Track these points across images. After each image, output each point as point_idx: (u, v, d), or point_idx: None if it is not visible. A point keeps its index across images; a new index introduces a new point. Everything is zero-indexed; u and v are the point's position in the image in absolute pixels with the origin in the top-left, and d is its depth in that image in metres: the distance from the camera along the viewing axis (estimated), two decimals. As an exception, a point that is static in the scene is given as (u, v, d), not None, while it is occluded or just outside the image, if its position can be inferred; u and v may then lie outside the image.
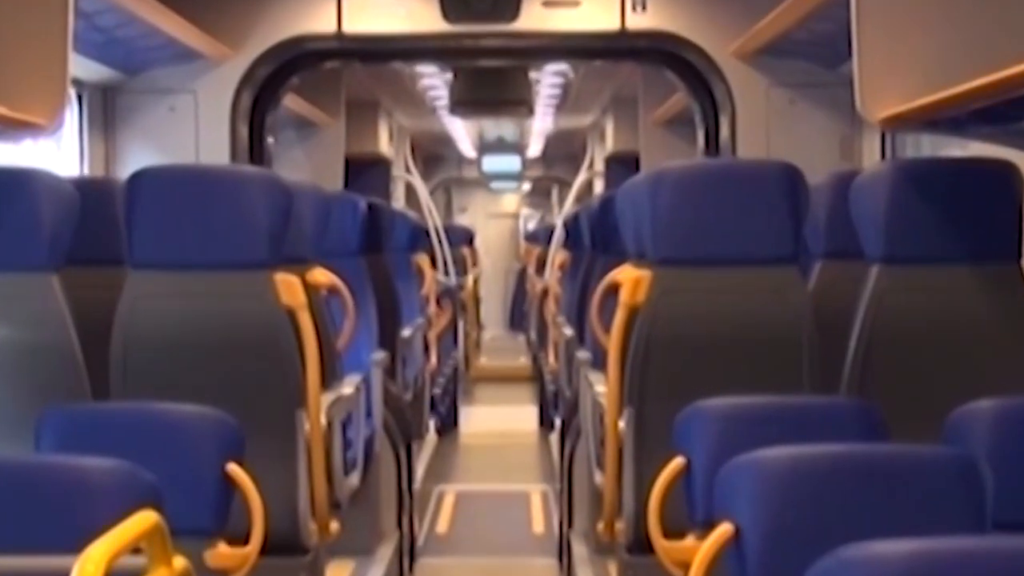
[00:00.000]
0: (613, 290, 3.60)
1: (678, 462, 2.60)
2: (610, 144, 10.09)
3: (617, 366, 3.38)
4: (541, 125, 12.33)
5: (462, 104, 8.32)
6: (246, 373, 3.37)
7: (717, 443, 2.50)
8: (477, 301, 14.17)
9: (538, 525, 6.31)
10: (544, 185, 18.64)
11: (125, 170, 4.98)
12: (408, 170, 11.47)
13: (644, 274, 3.38)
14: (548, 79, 9.20)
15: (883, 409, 2.61)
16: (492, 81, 8.19)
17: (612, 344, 3.41)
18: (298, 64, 5.83)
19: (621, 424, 3.37)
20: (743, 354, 3.30)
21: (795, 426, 2.51)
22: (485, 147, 14.45)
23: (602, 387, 3.65)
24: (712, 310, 3.35)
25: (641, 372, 3.34)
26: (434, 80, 9.06)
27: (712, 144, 5.82)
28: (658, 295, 3.35)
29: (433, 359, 7.50)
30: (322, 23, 5.69)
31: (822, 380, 3.27)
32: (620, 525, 3.39)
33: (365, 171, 9.34)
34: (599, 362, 4.19)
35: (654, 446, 3.25)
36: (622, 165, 9.34)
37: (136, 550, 1.85)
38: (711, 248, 3.38)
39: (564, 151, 14.90)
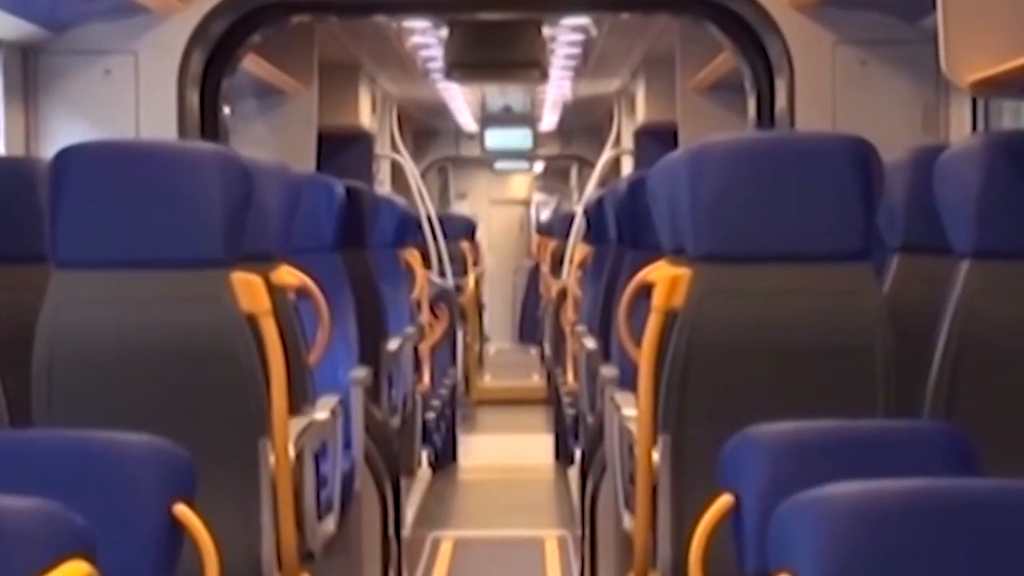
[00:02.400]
0: (645, 292, 3.60)
1: (725, 501, 2.60)
2: (641, 115, 10.08)
3: (650, 385, 3.38)
4: (557, 92, 12.33)
5: (460, 67, 8.31)
6: (198, 394, 3.37)
7: (772, 478, 2.50)
8: (479, 307, 14.16)
9: (554, 579, 6.32)
10: (560, 165, 18.65)
11: (50, 147, 4.99)
12: (395, 147, 11.48)
13: (682, 273, 3.38)
14: (565, 36, 9.20)
15: (975, 435, 2.61)
16: (497, 38, 8.19)
17: (644, 358, 3.41)
18: (260, 18, 5.84)
19: (655, 455, 3.37)
20: (804, 369, 3.31)
21: (867, 456, 2.51)
22: (488, 119, 14.46)
23: (632, 410, 3.65)
24: (765, 316, 3.35)
25: (679, 392, 3.34)
26: (426, 38, 9.06)
27: (765, 114, 5.82)
28: (700, 298, 3.35)
29: (426, 377, 7.50)
30: (289, -33, 5.71)
31: (900, 400, 3.27)
32: (654, 579, 3.39)
33: (342, 148, 9.34)
34: (628, 380, 4.19)
35: (696, 482, 3.26)
36: (655, 140, 9.33)
37: (64, 609, 1.85)
38: (764, 241, 3.39)
39: (585, 124, 14.90)
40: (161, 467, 2.71)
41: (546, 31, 8.65)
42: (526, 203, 19.87)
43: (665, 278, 3.39)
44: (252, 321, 3.41)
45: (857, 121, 5.35)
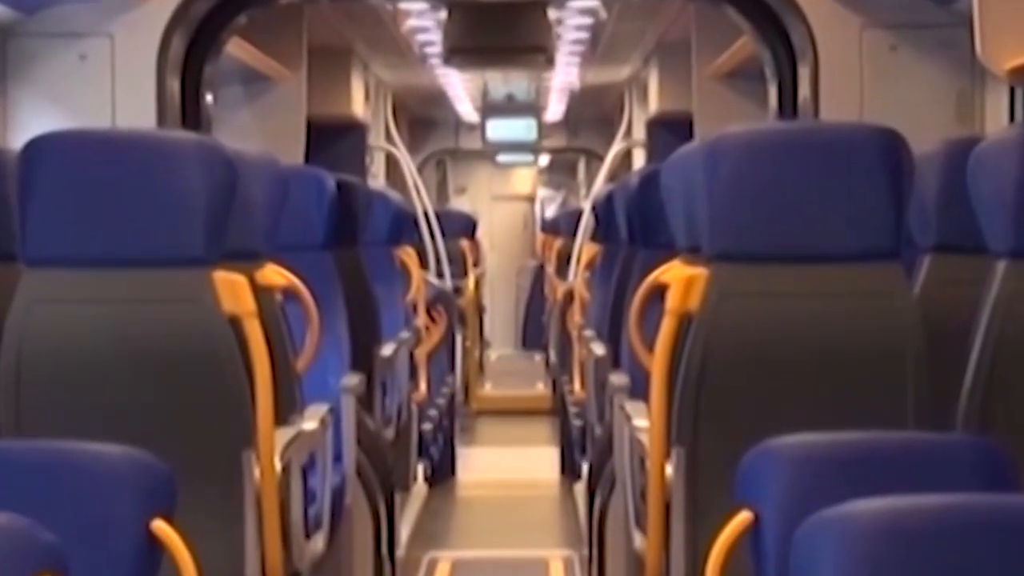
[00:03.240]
0: (658, 294, 3.60)
1: (743, 518, 2.60)
2: (654, 104, 10.08)
3: (663, 393, 3.39)
4: (563, 80, 12.33)
5: (460, 52, 8.31)
6: (177, 402, 3.37)
7: (794, 493, 2.50)
8: (480, 310, 14.16)
9: (560, 603, 6.32)
10: (567, 158, 18.65)
11: (20, 136, 4.98)
12: (390, 138, 11.48)
13: (698, 273, 3.39)
14: (573, 19, 9.20)
15: (1012, 449, 2.61)
16: (499, 22, 8.18)
17: (656, 364, 3.41)
18: (246, -1, 5.84)
19: (668, 469, 3.37)
20: (828, 377, 3.31)
21: (896, 471, 2.51)
22: (490, 109, 14.45)
23: (643, 421, 3.65)
24: (787, 320, 3.36)
25: (694, 401, 3.34)
26: (423, 20, 9.06)
27: (787, 103, 5.82)
28: (717, 300, 3.36)
29: (422, 385, 7.50)
30: (277, -55, 5.71)
31: (931, 411, 3.26)
32: (667, 601, 3.40)
33: (333, 139, 9.34)
34: (640, 389, 4.19)
35: (712, 498, 3.26)
36: (669, 131, 9.33)
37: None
38: (786, 239, 3.39)
39: (594, 113, 14.90)
40: (138, 480, 2.71)
41: (552, 14, 8.64)
42: (530, 199, 19.87)
43: (679, 279, 3.40)
44: (236, 324, 3.41)
45: (886, 110, 5.35)
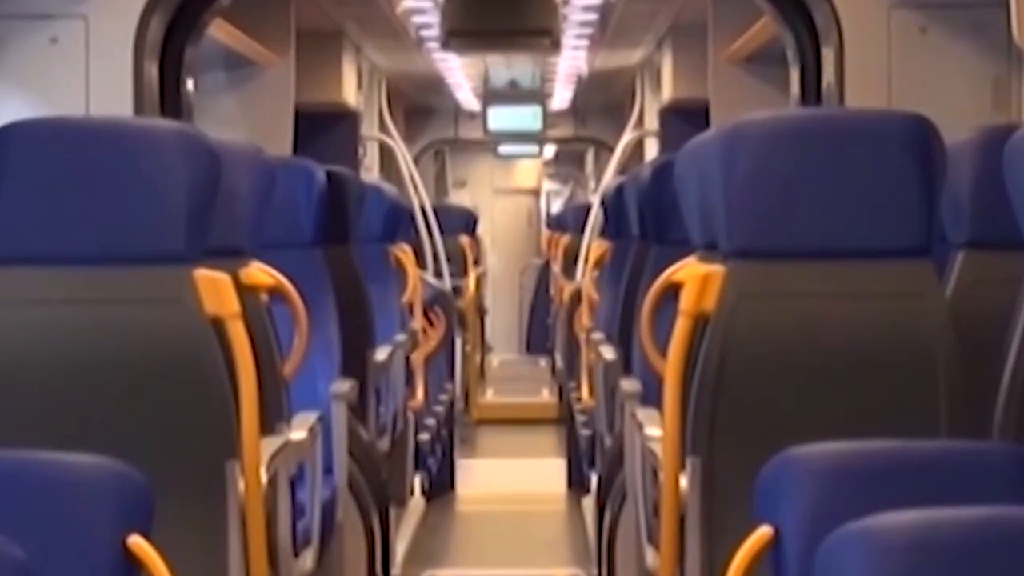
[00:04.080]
0: (672, 294, 3.61)
1: (763, 534, 2.60)
2: (668, 90, 10.08)
3: (677, 400, 3.39)
4: (570, 65, 12.33)
5: (459, 35, 8.32)
6: (155, 410, 3.38)
7: (818, 507, 2.50)
8: (481, 311, 14.17)
9: (566, 625, 6.33)
10: (574, 149, 18.66)
11: (-13, 126, 5.00)
12: (384, 128, 11.49)
13: (715, 271, 3.39)
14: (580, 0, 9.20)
15: (1051, 459, 2.61)
16: (501, 2, 8.20)
17: (670, 369, 3.41)
18: (229, -22, 5.84)
19: (683, 481, 3.38)
20: (854, 383, 3.31)
21: (927, 482, 2.50)
22: (492, 96, 14.45)
23: (657, 430, 3.65)
24: (810, 321, 3.36)
25: (711, 408, 3.34)
26: (420, 1, 9.07)
27: (811, 89, 5.82)
28: (734, 300, 3.36)
29: (419, 392, 7.51)
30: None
31: (965, 419, 3.26)
32: (682, 623, 3.40)
33: (324, 129, 9.35)
34: (652, 395, 4.19)
35: (729, 511, 3.27)
36: (684, 119, 9.33)
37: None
38: (808, 235, 3.40)
39: (603, 101, 14.89)
40: (113, 493, 2.71)
41: (559, -7, 8.66)
42: (535, 193, 19.88)
43: (695, 277, 3.40)
44: (218, 326, 3.41)
45: (916, 96, 5.34)
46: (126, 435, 3.34)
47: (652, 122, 11.08)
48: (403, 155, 11.26)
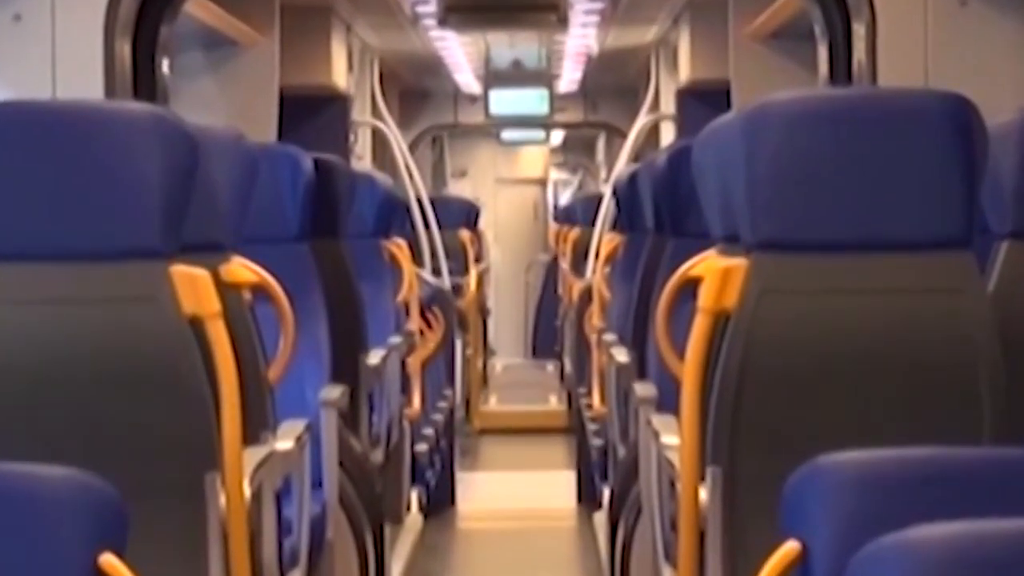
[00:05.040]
0: (690, 291, 3.61)
1: (790, 549, 2.60)
2: (685, 70, 10.08)
3: (696, 405, 3.39)
4: (579, 43, 12.34)
5: (458, 11, 8.32)
6: (129, 418, 3.38)
7: (849, 519, 2.50)
8: (483, 312, 14.17)
9: (577, 652, 6.33)
10: (584, 135, 18.66)
11: (-54, 112, 4.99)
12: (377, 112, 11.49)
13: (736, 265, 3.39)
14: (589, -28, 9.21)
15: (1103, 467, 2.61)
16: (504, -25, 8.20)
17: (687, 372, 3.42)
18: (208, -50, 5.85)
19: (702, 493, 3.38)
20: (888, 384, 3.32)
21: (967, 492, 2.50)
22: (494, 78, 14.46)
23: (674, 438, 3.65)
24: (840, 319, 3.36)
25: (732, 414, 3.35)
26: (416, -26, 9.08)
27: (840, 67, 5.81)
28: (758, 296, 3.36)
29: (416, 400, 7.52)
30: None
31: (1010, 422, 3.26)
32: (702, 648, 3.41)
33: (311, 113, 9.36)
34: (669, 401, 4.19)
35: (753, 525, 3.27)
36: (703, 101, 9.33)
37: None
38: (838, 225, 3.40)
39: (615, 83, 14.90)
40: (85, 508, 2.71)
41: (565, -34, 8.66)
42: (541, 183, 19.88)
43: (715, 272, 3.40)
44: (197, 326, 3.41)
45: (955, 75, 5.34)
46: (97, 446, 3.34)
47: (668, 105, 11.08)
48: (398, 142, 11.26)
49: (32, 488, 2.74)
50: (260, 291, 4.19)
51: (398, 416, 6.76)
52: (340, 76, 9.86)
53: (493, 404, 13.66)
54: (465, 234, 12.79)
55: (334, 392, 4.98)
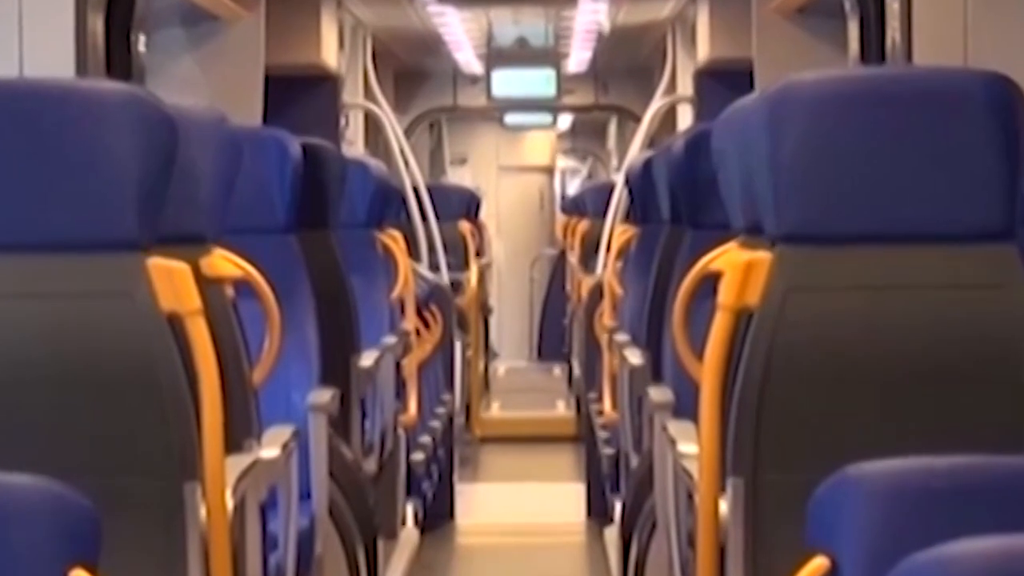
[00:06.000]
0: (709, 286, 3.61)
1: (817, 565, 2.61)
2: (704, 49, 10.09)
3: (716, 411, 3.40)
4: (589, 20, 12.34)
5: (459, -17, 8.32)
6: (102, 423, 3.38)
7: (881, 533, 2.50)
8: (485, 310, 14.17)
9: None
10: (594, 119, 18.65)
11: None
12: (370, 94, 11.50)
13: (760, 258, 3.39)
14: (601, -58, 9.21)
15: None
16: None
17: (707, 374, 3.42)
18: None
19: (723, 506, 3.38)
20: (925, 388, 3.32)
21: (1010, 504, 2.51)
22: (497, 57, 14.46)
23: (692, 446, 3.65)
24: (872, 317, 3.37)
25: (755, 420, 3.35)
26: (412, -56, 9.08)
27: (872, 45, 5.81)
28: (783, 293, 3.36)
29: (412, 405, 7.52)
30: None
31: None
32: (722, 672, 3.41)
33: (299, 95, 9.36)
34: (687, 406, 4.20)
35: (777, 540, 3.27)
36: (723, 82, 9.33)
37: None
38: (871, 216, 3.41)
39: (628, 62, 14.90)
40: (54, 520, 2.72)
41: (575, -65, 8.67)
42: (548, 170, 19.88)
43: (736, 266, 3.40)
44: (176, 324, 3.41)
45: (997, 54, 5.33)
46: (68, 453, 3.34)
47: (685, 86, 11.08)
48: (392, 126, 11.26)
49: (-3, 498, 2.74)
50: (244, 286, 4.19)
51: (392, 423, 6.76)
52: (330, 54, 9.87)
53: (495, 410, 13.66)
54: (465, 226, 12.79)
55: (323, 396, 4.98)
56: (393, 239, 7.33)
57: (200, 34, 7.79)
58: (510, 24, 13.22)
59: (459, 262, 12.10)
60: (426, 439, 8.06)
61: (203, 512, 3.42)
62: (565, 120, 18.94)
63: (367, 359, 5.97)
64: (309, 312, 5.30)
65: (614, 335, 7.00)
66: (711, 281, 3.63)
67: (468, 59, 14.86)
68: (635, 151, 10.79)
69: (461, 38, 13.55)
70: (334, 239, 5.90)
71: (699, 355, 3.63)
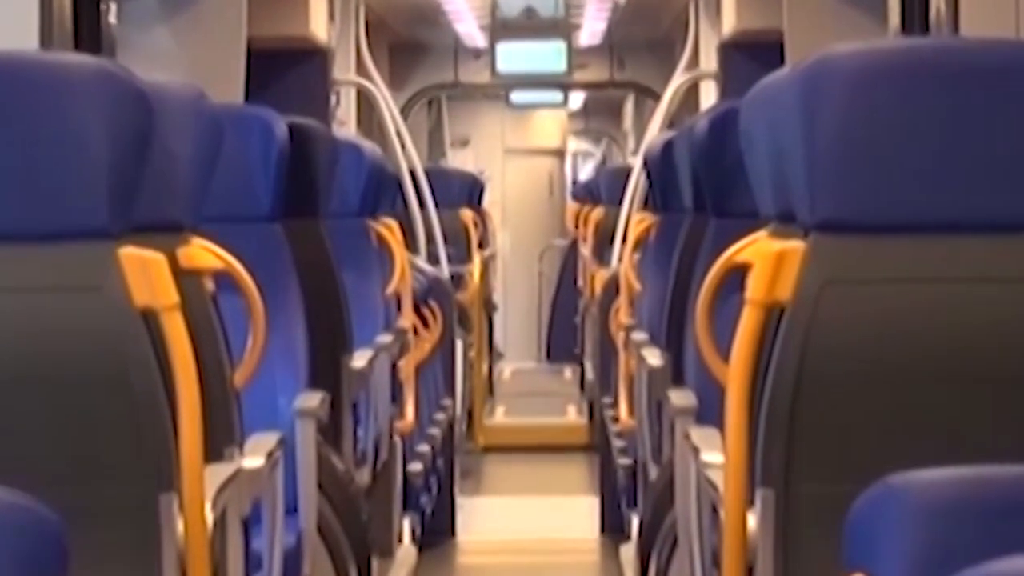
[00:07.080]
0: (736, 280, 3.61)
1: (855, 586, 2.61)
2: (729, 20, 10.09)
3: (743, 416, 3.40)
4: (604, -13, 12.36)
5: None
6: (71, 427, 3.38)
7: (926, 549, 2.50)
8: (489, 306, 14.19)
9: None
10: (609, 97, 18.69)
11: None
12: (363, 70, 11.50)
13: (792, 248, 3.39)
14: (617, -98, 9.22)
15: None
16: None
17: (733, 376, 3.42)
18: None
19: (751, 521, 3.38)
20: (976, 391, 3.32)
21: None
22: (502, 29, 14.48)
23: (717, 455, 3.65)
24: (917, 313, 3.37)
25: (787, 427, 3.35)
26: (410, -95, 9.09)
27: (914, 16, 5.83)
28: (818, 287, 3.36)
29: (409, 410, 7.53)
30: None
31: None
32: None
33: (285, 70, 9.37)
34: (711, 412, 4.20)
35: (810, 557, 3.28)
36: (750, 57, 9.35)
37: None
38: (915, 202, 3.40)
39: (645, 35, 14.92)
40: (17, 534, 2.72)
41: None
42: (558, 153, 19.91)
43: (766, 257, 3.40)
44: (150, 319, 3.42)
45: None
46: (32, 462, 3.34)
47: (709, 61, 11.09)
48: (387, 104, 11.26)
49: (-46, 512, 2.74)
50: (225, 279, 4.20)
51: (388, 430, 6.77)
52: (319, 26, 9.87)
53: (500, 416, 13.69)
54: (467, 214, 12.81)
55: (312, 400, 4.98)
56: (388, 229, 7.34)
57: (176, 3, 7.79)
58: (517, -7, 13.24)
59: (460, 254, 12.12)
60: (424, 448, 8.07)
61: (180, 527, 3.43)
62: (577, 98, 18.97)
63: (360, 360, 5.98)
64: (296, 308, 5.30)
65: (631, 334, 7.00)
66: (738, 274, 3.62)
67: (470, 31, 14.88)
68: (654, 132, 10.80)
69: (463, 7, 13.57)
70: (324, 228, 5.90)
71: (725, 355, 3.64)
